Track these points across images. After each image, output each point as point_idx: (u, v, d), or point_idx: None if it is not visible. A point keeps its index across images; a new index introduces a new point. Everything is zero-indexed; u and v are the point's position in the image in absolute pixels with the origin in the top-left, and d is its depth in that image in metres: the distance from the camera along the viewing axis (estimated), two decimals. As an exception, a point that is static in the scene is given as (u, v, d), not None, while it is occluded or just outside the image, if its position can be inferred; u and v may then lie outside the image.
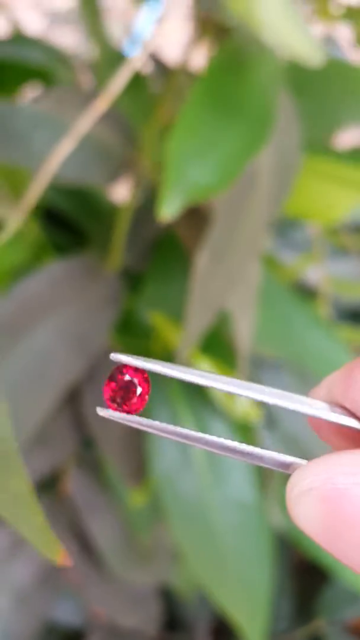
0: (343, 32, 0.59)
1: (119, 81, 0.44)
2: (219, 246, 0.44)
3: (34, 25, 1.13)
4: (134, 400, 0.21)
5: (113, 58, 0.55)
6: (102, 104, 0.44)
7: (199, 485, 0.53)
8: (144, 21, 0.59)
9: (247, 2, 0.39)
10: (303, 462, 0.20)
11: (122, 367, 0.21)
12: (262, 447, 0.21)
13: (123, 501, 0.62)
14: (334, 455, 0.18)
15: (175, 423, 0.52)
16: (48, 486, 0.65)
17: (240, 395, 0.20)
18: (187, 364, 0.52)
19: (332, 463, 0.18)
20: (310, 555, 0.60)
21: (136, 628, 0.71)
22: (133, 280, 0.58)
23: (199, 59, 0.51)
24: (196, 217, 0.50)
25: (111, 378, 0.21)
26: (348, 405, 0.20)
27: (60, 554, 0.24)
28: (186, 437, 0.21)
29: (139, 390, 0.21)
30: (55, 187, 0.59)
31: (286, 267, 0.71)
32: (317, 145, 0.56)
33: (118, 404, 0.21)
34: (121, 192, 0.58)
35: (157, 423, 0.21)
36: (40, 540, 0.24)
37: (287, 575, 0.82)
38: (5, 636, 0.62)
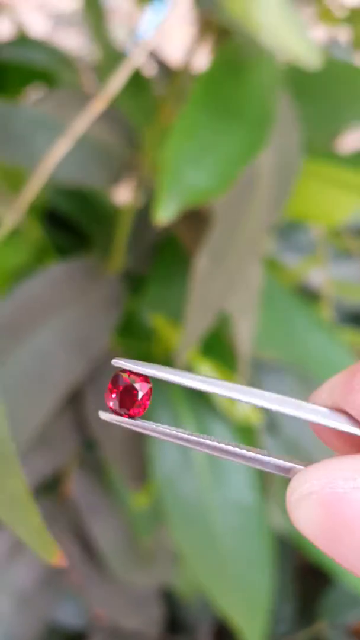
0: (348, 35, 0.59)
1: (117, 81, 0.44)
2: (218, 248, 0.44)
3: (38, 27, 1.13)
4: (136, 404, 0.21)
5: (116, 60, 0.55)
6: (99, 104, 0.44)
7: (200, 488, 0.53)
8: (148, 23, 0.59)
9: (245, 4, 0.39)
10: (303, 466, 0.20)
11: (124, 371, 0.21)
12: (263, 451, 0.21)
13: (125, 503, 0.62)
14: (334, 460, 0.18)
15: (176, 426, 0.52)
16: (50, 488, 0.65)
17: (241, 401, 0.20)
18: (187, 365, 0.52)
19: (332, 467, 0.18)
20: (312, 558, 0.60)
21: (138, 630, 0.71)
22: (135, 282, 0.58)
23: (202, 60, 0.51)
24: (197, 219, 0.50)
25: (113, 382, 0.21)
26: (349, 409, 0.20)
27: (56, 555, 0.24)
28: (187, 440, 0.21)
29: (140, 394, 0.21)
30: (57, 189, 0.59)
31: (289, 269, 0.71)
32: (319, 148, 0.56)
33: (120, 408, 0.21)
34: (124, 195, 0.58)
35: (158, 427, 0.21)
36: (37, 541, 0.24)
37: (289, 578, 0.82)
38: (7, 638, 0.62)
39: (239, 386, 0.20)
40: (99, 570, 0.65)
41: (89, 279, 0.52)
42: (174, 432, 0.21)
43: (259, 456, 0.21)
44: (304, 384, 0.61)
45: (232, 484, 0.54)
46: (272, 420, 0.60)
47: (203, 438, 0.21)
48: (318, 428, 0.22)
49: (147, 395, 0.21)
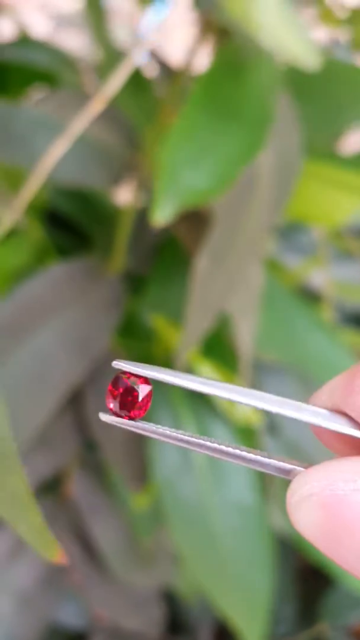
0: (348, 36, 0.59)
1: (116, 81, 0.44)
2: (219, 248, 0.44)
3: (39, 27, 1.13)
4: (136, 406, 0.21)
5: (116, 60, 0.55)
6: (98, 104, 0.44)
7: (200, 489, 0.53)
8: (149, 24, 0.59)
9: (244, 5, 0.39)
10: (303, 468, 0.20)
11: (124, 373, 0.21)
12: (263, 453, 0.21)
13: (125, 504, 0.62)
14: (334, 462, 0.18)
15: (177, 427, 0.52)
16: (51, 488, 0.65)
17: (241, 403, 0.20)
18: (187, 366, 0.52)
19: (332, 470, 0.18)
20: (313, 559, 0.60)
21: (138, 630, 0.71)
22: (135, 282, 0.58)
23: (203, 61, 0.51)
24: (197, 219, 0.50)
25: (113, 384, 0.21)
26: (349, 411, 0.20)
27: (57, 553, 0.24)
28: (187, 442, 0.21)
29: (140, 396, 0.21)
30: (58, 190, 0.59)
31: (290, 270, 0.71)
32: (320, 149, 0.56)
33: (120, 409, 0.21)
34: (125, 195, 0.58)
35: (159, 428, 0.21)
36: (38, 539, 0.25)
37: (290, 579, 0.82)
38: (8, 638, 0.62)
39: (239, 388, 0.20)
40: (100, 570, 0.65)
41: (89, 279, 0.52)
42: (174, 434, 0.21)
43: (259, 458, 0.21)
44: (305, 385, 0.61)
45: (232, 485, 0.54)
46: (273, 421, 0.60)
47: (203, 440, 0.21)
48: (318, 430, 0.22)
49: (148, 397, 0.21)
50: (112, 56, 0.55)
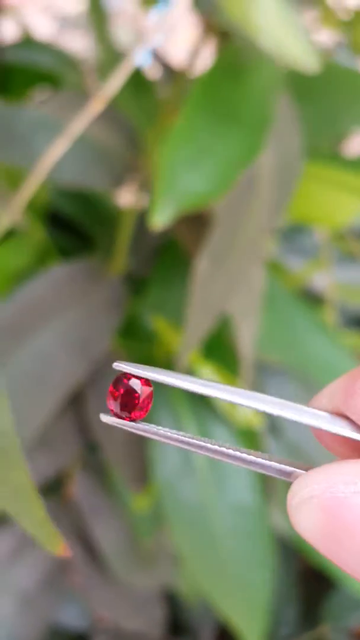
0: (348, 38, 0.59)
1: (116, 82, 0.44)
2: (219, 250, 0.44)
3: (43, 29, 1.13)
4: (137, 407, 0.21)
5: (117, 61, 0.55)
6: (97, 105, 0.44)
7: (200, 491, 0.53)
8: (152, 25, 0.59)
9: (243, 7, 0.39)
10: (304, 470, 0.20)
11: (125, 374, 0.21)
12: (264, 454, 0.21)
13: (127, 505, 0.62)
14: (335, 464, 0.18)
15: (178, 429, 0.52)
16: (53, 490, 0.65)
17: (242, 405, 0.20)
18: (188, 368, 0.52)
19: (333, 472, 0.18)
20: (314, 561, 0.60)
21: (140, 632, 0.71)
22: (136, 284, 0.58)
23: (205, 63, 0.51)
24: (198, 221, 0.50)
25: (114, 385, 0.21)
26: (350, 414, 0.20)
27: (60, 546, 0.25)
28: (188, 443, 0.21)
29: (141, 397, 0.21)
30: (60, 191, 0.59)
31: (293, 273, 0.71)
32: (323, 150, 0.56)
33: (121, 411, 0.21)
34: (126, 197, 0.59)
35: (159, 429, 0.21)
36: (41, 532, 0.25)
37: (292, 581, 0.82)
38: (10, 639, 0.62)
39: (239, 390, 0.20)
40: (101, 571, 0.65)
41: (90, 280, 0.52)
42: (175, 435, 0.21)
43: (259, 460, 0.21)
44: (307, 388, 0.61)
45: (233, 487, 0.54)
46: (275, 423, 0.60)
47: (204, 441, 0.21)
48: (319, 432, 0.22)
49: (148, 398, 0.21)
50: (113, 57, 0.55)
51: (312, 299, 0.72)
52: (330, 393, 0.21)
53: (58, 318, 0.49)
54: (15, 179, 0.51)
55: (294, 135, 0.49)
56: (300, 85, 0.51)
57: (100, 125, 0.49)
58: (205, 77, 0.46)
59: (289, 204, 0.49)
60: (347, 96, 0.54)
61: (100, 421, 0.21)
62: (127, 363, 0.21)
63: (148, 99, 0.55)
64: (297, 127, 0.49)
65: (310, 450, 0.59)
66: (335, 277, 0.72)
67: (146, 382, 0.21)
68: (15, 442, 0.24)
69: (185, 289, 0.45)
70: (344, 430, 0.20)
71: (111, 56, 0.54)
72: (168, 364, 0.55)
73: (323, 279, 0.72)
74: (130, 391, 0.21)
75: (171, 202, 0.40)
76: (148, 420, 0.21)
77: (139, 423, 0.21)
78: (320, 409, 0.21)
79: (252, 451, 0.21)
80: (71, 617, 0.73)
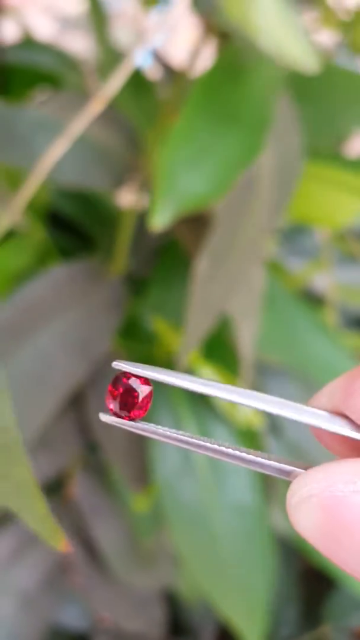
0: (348, 39, 0.59)
1: (115, 82, 0.44)
2: (219, 250, 0.44)
3: (44, 30, 1.13)
4: (136, 406, 0.21)
5: (117, 62, 0.55)
6: (97, 105, 0.44)
7: (200, 490, 0.53)
8: (153, 26, 0.60)
9: (243, 8, 0.39)
10: (303, 469, 0.20)
11: (124, 373, 0.21)
12: (263, 454, 0.21)
13: (127, 505, 0.62)
14: (334, 463, 0.18)
15: (178, 428, 0.52)
16: (53, 490, 0.65)
17: (241, 404, 0.20)
18: (187, 368, 0.52)
19: (332, 471, 0.18)
20: (315, 561, 0.60)
21: (140, 632, 0.71)
22: (137, 284, 0.58)
23: (206, 63, 0.51)
24: (199, 221, 0.50)
25: (113, 384, 0.21)
26: (349, 413, 0.20)
27: (62, 542, 0.25)
28: (187, 443, 0.21)
29: (140, 396, 0.21)
30: (61, 191, 0.59)
31: (293, 273, 0.71)
32: (324, 151, 0.56)
33: (120, 410, 0.21)
34: (127, 197, 0.59)
35: (158, 429, 0.21)
36: (43, 528, 0.25)
37: (293, 581, 0.82)
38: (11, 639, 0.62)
39: (238, 389, 0.20)
40: (101, 571, 0.65)
41: (91, 281, 0.52)
42: (174, 435, 0.21)
43: (258, 459, 0.21)
44: (308, 388, 0.61)
45: (233, 487, 0.54)
46: (275, 423, 0.60)
47: (203, 440, 0.21)
48: (318, 432, 0.22)
49: (148, 397, 0.21)
50: (113, 57, 0.55)
51: (312, 300, 0.72)
52: (330, 392, 0.21)
53: (58, 318, 0.49)
54: (15, 179, 0.51)
55: (294, 136, 0.49)
56: (300, 86, 0.51)
57: (100, 125, 0.49)
58: (205, 78, 0.46)
59: (290, 204, 0.49)
60: (347, 96, 0.54)
61: (101, 421, 0.21)
62: (126, 362, 0.21)
63: (148, 99, 0.55)
64: (297, 127, 0.49)
65: (311, 450, 0.59)
66: (336, 278, 0.72)
67: (145, 381, 0.21)
68: (17, 438, 0.24)
69: (185, 289, 0.45)
70: (343, 429, 0.20)
71: (111, 57, 0.54)
72: (168, 365, 0.55)
73: (323, 279, 0.72)
74: (130, 390, 0.21)
75: (171, 203, 0.40)
76: (148, 419, 0.21)
77: (138, 422, 0.21)
78: (319, 408, 0.21)
79: (251, 450, 0.21)
80: (71, 618, 0.73)
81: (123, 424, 0.21)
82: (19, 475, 0.24)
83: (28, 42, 0.64)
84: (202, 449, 0.21)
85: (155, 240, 0.58)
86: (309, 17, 0.59)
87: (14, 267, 0.54)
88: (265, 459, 0.21)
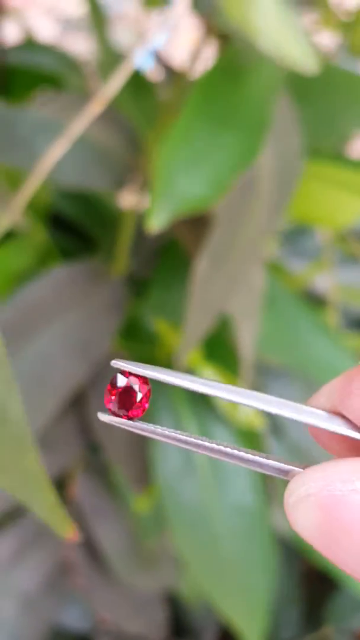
0: (347, 40, 0.60)
1: (115, 83, 0.44)
2: (219, 251, 0.44)
3: (46, 31, 1.14)
4: (135, 405, 0.21)
5: (117, 63, 0.55)
6: (97, 106, 0.44)
7: (201, 491, 0.53)
8: (154, 28, 0.60)
9: (242, 9, 0.39)
10: (301, 469, 0.20)
11: (123, 372, 0.21)
12: (262, 453, 0.21)
13: (129, 506, 0.62)
14: (332, 463, 0.18)
15: (178, 428, 0.52)
16: (55, 490, 0.65)
17: (239, 403, 0.20)
18: (187, 368, 0.52)
19: (330, 470, 0.18)
20: (317, 562, 0.60)
21: (142, 633, 0.71)
22: (138, 285, 0.58)
23: (206, 65, 0.51)
24: (199, 222, 0.50)
25: (112, 383, 0.21)
26: (347, 413, 0.20)
27: (70, 531, 0.25)
28: (186, 442, 0.21)
29: (139, 395, 0.21)
30: (62, 192, 0.59)
31: (294, 274, 0.71)
32: (325, 151, 0.56)
33: (119, 409, 0.21)
34: (128, 198, 0.59)
35: (157, 428, 0.21)
36: (53, 517, 0.26)
37: (295, 583, 0.82)
38: (12, 641, 0.62)
39: (237, 389, 0.20)
40: (103, 573, 0.65)
41: (92, 282, 0.52)
42: (173, 434, 0.21)
43: (257, 458, 0.21)
44: (309, 389, 0.61)
45: (234, 488, 0.54)
46: (277, 423, 0.60)
47: (201, 440, 0.21)
48: (316, 431, 0.22)
49: (146, 397, 0.21)
50: (113, 58, 0.55)
51: (314, 301, 0.72)
52: (328, 392, 0.21)
53: (59, 319, 0.49)
54: (16, 180, 0.51)
55: (293, 136, 0.49)
56: (300, 87, 0.51)
57: (100, 126, 0.49)
58: (204, 79, 0.46)
59: (291, 205, 0.49)
60: (347, 97, 0.54)
61: (102, 422, 0.21)
62: (125, 361, 0.21)
63: (148, 100, 0.55)
64: (297, 128, 0.49)
65: (312, 451, 0.59)
66: (337, 279, 0.72)
67: (144, 380, 0.21)
68: (26, 430, 0.24)
69: (186, 290, 0.45)
70: (341, 428, 0.20)
71: (111, 58, 0.55)
72: (169, 366, 0.55)
73: (325, 280, 0.72)
74: (128, 389, 0.21)
75: (168, 204, 0.40)
76: (148, 419, 0.21)
77: (137, 422, 0.21)
78: (317, 408, 0.21)
79: (250, 450, 0.21)
80: (73, 619, 0.73)
81: (122, 424, 0.21)
82: (28, 465, 0.24)
83: (30, 44, 0.64)
84: (201, 448, 0.21)
85: (155, 241, 0.58)
86: (309, 18, 0.59)
87: (14, 268, 0.54)
88: (263, 458, 0.21)
